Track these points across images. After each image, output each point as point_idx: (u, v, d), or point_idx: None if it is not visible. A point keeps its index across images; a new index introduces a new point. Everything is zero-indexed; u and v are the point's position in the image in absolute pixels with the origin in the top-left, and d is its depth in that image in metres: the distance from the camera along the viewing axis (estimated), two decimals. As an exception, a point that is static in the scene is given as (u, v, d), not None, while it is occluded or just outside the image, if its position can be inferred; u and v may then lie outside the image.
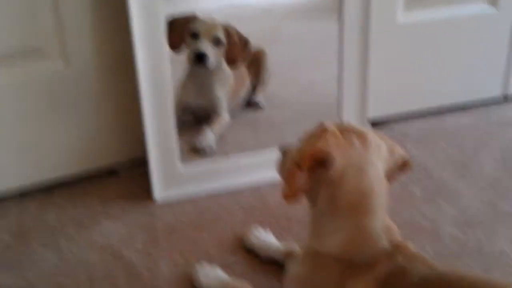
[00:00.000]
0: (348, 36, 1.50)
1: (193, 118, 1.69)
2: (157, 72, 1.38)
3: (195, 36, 1.57)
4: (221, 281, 1.12)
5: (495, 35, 1.82)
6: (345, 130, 0.93)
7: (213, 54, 1.58)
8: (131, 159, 1.59)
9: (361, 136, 0.92)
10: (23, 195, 1.48)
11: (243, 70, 1.76)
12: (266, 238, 1.25)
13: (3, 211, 1.43)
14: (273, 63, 1.80)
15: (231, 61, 1.64)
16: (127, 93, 1.49)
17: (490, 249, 1.21)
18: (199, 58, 1.57)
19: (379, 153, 0.94)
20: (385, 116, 1.80)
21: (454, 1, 1.75)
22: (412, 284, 0.85)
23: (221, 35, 1.59)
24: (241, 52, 1.66)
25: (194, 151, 1.56)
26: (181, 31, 1.58)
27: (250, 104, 1.77)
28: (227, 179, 1.48)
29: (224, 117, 1.68)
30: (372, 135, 0.95)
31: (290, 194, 0.89)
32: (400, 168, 1.00)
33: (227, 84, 1.69)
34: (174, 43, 1.55)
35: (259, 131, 1.70)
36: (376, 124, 1.77)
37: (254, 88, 1.79)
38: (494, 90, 1.90)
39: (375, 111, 1.73)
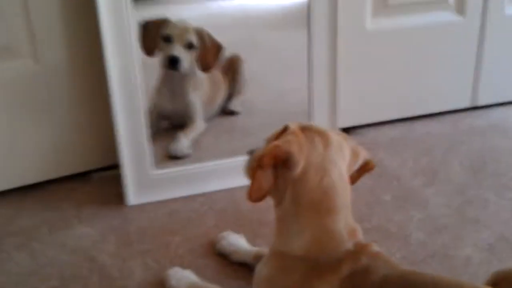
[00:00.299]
0: (317, 45, 1.54)
1: (169, 123, 1.70)
2: (128, 76, 1.39)
3: (167, 39, 1.58)
4: (192, 284, 1.13)
5: (463, 43, 1.86)
6: (307, 130, 0.96)
7: (185, 58, 1.59)
8: (104, 163, 1.60)
9: (323, 136, 0.95)
10: (-4, 199, 1.49)
11: (219, 77, 1.78)
12: (237, 242, 1.26)
13: (-25, 214, 1.43)
14: (249, 71, 1.83)
15: (204, 65, 1.66)
16: (99, 95, 1.49)
17: (456, 253, 1.24)
18: (172, 62, 1.58)
19: (341, 153, 0.97)
20: (357, 124, 1.83)
21: (422, 9, 1.79)
22: (374, 283, 0.88)
23: (194, 39, 1.60)
24: (214, 56, 1.67)
25: (169, 157, 1.58)
26: (154, 35, 1.59)
27: (226, 111, 1.79)
28: (200, 184, 1.50)
29: (199, 123, 1.69)
30: (334, 135, 0.98)
31: (254, 194, 0.91)
32: (363, 168, 1.03)
33: (201, 89, 1.71)
34: (148, 48, 1.56)
35: (234, 137, 1.72)
36: (347, 131, 1.80)
37: (230, 95, 1.81)
38: (463, 99, 1.94)
39: (347, 119, 1.77)
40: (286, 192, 0.93)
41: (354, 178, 1.03)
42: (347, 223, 0.95)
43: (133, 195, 1.46)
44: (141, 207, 1.45)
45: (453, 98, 1.93)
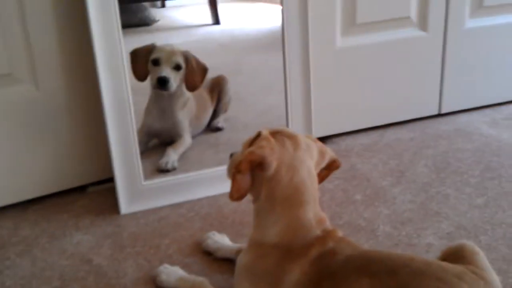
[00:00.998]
0: (291, 64, 1.68)
1: (158, 141, 1.81)
2: (119, 98, 1.52)
3: (156, 62, 1.70)
4: (180, 277, 1.24)
5: (427, 56, 2.00)
6: (278, 134, 1.08)
7: (173, 78, 1.71)
8: (98, 177, 1.73)
9: (292, 139, 1.08)
10: (0, 213, 1.61)
11: (205, 96, 1.89)
12: (221, 240, 1.38)
13: (-19, 228, 1.55)
14: (234, 91, 1.95)
15: (191, 86, 1.78)
16: (94, 116, 1.62)
17: (418, 242, 1.37)
18: (161, 83, 1.70)
19: (310, 153, 1.09)
20: (332, 133, 1.97)
21: (387, 27, 1.93)
22: (339, 262, 1.00)
23: (181, 61, 1.73)
24: (200, 77, 1.79)
25: (158, 171, 1.68)
26: (144, 60, 1.71)
27: (212, 127, 1.90)
28: (186, 192, 1.62)
29: (186, 138, 1.80)
30: (302, 137, 1.11)
31: (234, 194, 1.04)
32: (330, 166, 1.16)
33: (188, 107, 1.82)
34: (139, 73, 1.69)
35: (219, 150, 1.82)
36: (322, 140, 1.93)
37: (215, 112, 1.93)
38: (430, 107, 2.08)
39: (322, 129, 1.90)
40: (262, 190, 1.06)
41: (324, 175, 1.17)
42: (316, 213, 1.07)
43: (125, 205, 1.58)
44: (133, 215, 1.57)
45: (421, 106, 2.07)
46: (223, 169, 1.46)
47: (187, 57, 1.74)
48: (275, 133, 1.09)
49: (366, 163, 1.78)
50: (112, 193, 1.62)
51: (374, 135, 1.98)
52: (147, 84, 1.73)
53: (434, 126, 2.03)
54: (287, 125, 1.72)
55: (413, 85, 2.02)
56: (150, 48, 1.73)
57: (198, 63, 1.78)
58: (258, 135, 1.08)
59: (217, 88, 1.93)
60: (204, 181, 1.65)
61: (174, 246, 1.42)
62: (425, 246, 1.35)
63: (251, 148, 1.04)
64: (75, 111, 1.63)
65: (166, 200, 1.61)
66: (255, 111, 1.98)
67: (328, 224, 1.09)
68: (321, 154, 1.13)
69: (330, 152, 1.15)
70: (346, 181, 1.67)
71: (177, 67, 1.73)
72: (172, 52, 1.73)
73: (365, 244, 1.37)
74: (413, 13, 1.94)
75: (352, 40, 1.89)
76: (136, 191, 1.59)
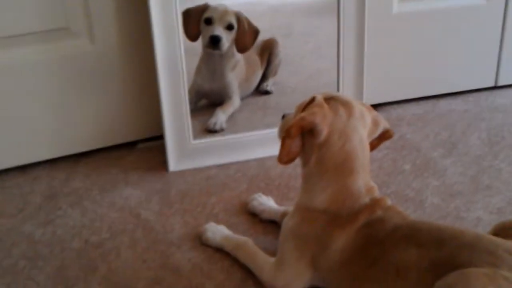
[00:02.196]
0: (345, 29, 1.64)
1: (207, 101, 1.82)
2: (172, 57, 1.53)
3: (208, 22, 1.69)
4: (225, 236, 1.27)
5: (486, 25, 1.93)
6: (333, 100, 1.07)
7: (226, 38, 1.70)
8: (149, 134, 1.75)
9: (347, 105, 1.06)
10: (53, 164, 1.65)
11: (255, 58, 1.88)
12: (266, 202, 1.39)
13: (35, 178, 1.60)
14: (284, 55, 1.92)
15: (242, 47, 1.76)
16: (147, 73, 1.63)
17: (467, 215, 1.35)
18: (213, 41, 1.69)
19: (363, 121, 1.08)
20: (383, 101, 1.94)
21: (446, -7, 1.87)
22: (387, 230, 1.00)
23: (233, 21, 1.71)
24: (251, 39, 1.77)
25: (207, 131, 1.69)
26: (196, 20, 1.70)
27: (260, 90, 1.89)
28: (234, 153, 1.63)
29: (235, 100, 1.80)
30: (357, 105, 1.09)
31: (283, 157, 1.04)
32: (383, 136, 1.15)
33: (238, 69, 1.81)
34: (191, 33, 1.68)
35: (267, 113, 1.82)
36: (373, 107, 1.90)
37: (264, 76, 1.91)
38: (486, 78, 2.02)
39: (373, 96, 1.86)
40: (312, 155, 1.06)
41: (375, 144, 1.15)
42: (366, 182, 1.07)
43: (174, 162, 1.60)
44: (181, 173, 1.59)
45: (477, 77, 2.01)
46: (271, 131, 1.47)
47: (239, 17, 1.73)
48: (329, 99, 1.07)
49: (417, 133, 1.75)
50: (161, 150, 1.64)
51: (427, 105, 1.94)
52: (199, 44, 1.73)
53: (490, 98, 1.97)
54: (338, 91, 1.69)
55: (469, 55, 1.96)
56: (203, 8, 1.72)
57: (250, 24, 1.76)
58: (312, 99, 1.07)
59: (267, 51, 1.91)
60: (252, 143, 1.65)
61: (220, 205, 1.43)
62: (474, 220, 1.33)
63: (303, 114, 1.03)
64: (128, 68, 1.64)
65: (214, 160, 1.63)
66: (304, 75, 1.96)
67: (377, 193, 1.08)
68: (375, 123, 1.11)
69: (384, 121, 1.14)
70: (395, 151, 1.65)
71: (230, 27, 1.72)
72: (225, 12, 1.72)
73: (412, 214, 1.35)
74: (475, -21, 1.87)
75: (410, 5, 1.83)
76: (185, 149, 1.61)
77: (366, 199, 1.05)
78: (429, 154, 1.62)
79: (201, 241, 1.29)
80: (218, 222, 1.34)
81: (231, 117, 1.76)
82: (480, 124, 1.79)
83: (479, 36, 1.94)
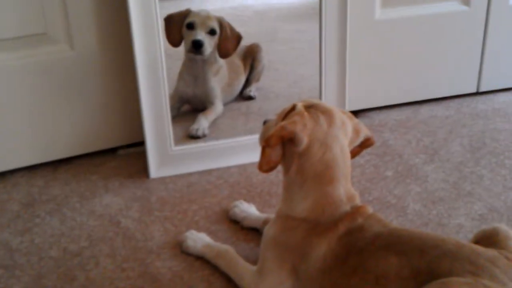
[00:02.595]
0: (327, 34, 1.64)
1: (189, 106, 1.81)
2: (153, 62, 1.51)
3: (191, 26, 1.69)
4: (206, 244, 1.25)
5: (468, 32, 1.94)
6: (313, 108, 1.06)
7: (208, 43, 1.70)
8: (129, 140, 1.73)
9: (327, 114, 1.05)
10: (32, 171, 1.63)
11: (238, 64, 1.88)
12: (248, 209, 1.38)
13: (13, 185, 1.57)
14: (267, 60, 1.92)
15: (224, 52, 1.76)
16: (127, 79, 1.61)
17: (449, 222, 1.34)
18: (196, 46, 1.68)
19: (344, 130, 1.07)
20: (366, 107, 1.94)
21: (428, 0, 1.87)
22: (367, 239, 0.99)
23: (215, 25, 1.71)
24: (233, 44, 1.77)
25: (189, 137, 1.68)
26: (178, 26, 1.70)
27: (243, 96, 1.89)
28: (216, 159, 1.62)
29: (218, 106, 1.80)
30: (338, 113, 1.08)
31: (263, 166, 1.03)
32: (364, 144, 1.14)
33: (221, 74, 1.81)
34: (173, 39, 1.68)
35: (250, 119, 1.81)
36: (356, 113, 1.91)
37: (247, 81, 1.91)
38: (468, 84, 2.02)
39: (355, 102, 1.87)
40: (293, 164, 1.05)
41: (356, 152, 1.15)
42: (346, 190, 1.06)
43: (155, 169, 1.59)
44: (162, 179, 1.57)
45: (459, 83, 2.01)
46: (253, 138, 1.46)
47: (221, 23, 1.73)
48: (310, 107, 1.06)
49: (399, 139, 1.75)
50: (142, 156, 1.62)
51: (409, 110, 1.94)
52: (181, 49, 1.72)
53: (472, 104, 1.97)
54: (320, 96, 1.69)
55: (451, 61, 1.96)
56: (185, 13, 1.71)
57: (232, 30, 1.76)
58: (293, 107, 1.06)
59: (251, 56, 1.91)
60: (234, 149, 1.64)
61: (201, 212, 1.42)
62: (455, 226, 1.33)
63: (283, 123, 1.03)
64: (109, 73, 1.63)
65: (196, 167, 1.61)
66: (287, 81, 1.97)
67: (358, 201, 1.07)
68: (356, 131, 1.10)
69: (365, 129, 1.13)
70: (377, 157, 1.65)
71: (212, 32, 1.71)
72: (207, 17, 1.71)
73: (394, 221, 1.35)
74: (457, -14, 1.88)
75: (392, 12, 1.84)
76: (166, 156, 1.59)
77: (347, 207, 1.05)
78: (411, 161, 1.62)
79: (181, 249, 1.27)
80: (199, 229, 1.33)
81: (213, 123, 1.75)
82: (462, 130, 1.79)
83: (461, 42, 1.94)
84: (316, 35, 1.66)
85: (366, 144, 1.14)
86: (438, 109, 1.94)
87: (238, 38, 1.78)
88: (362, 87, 1.87)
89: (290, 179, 1.07)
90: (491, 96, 2.03)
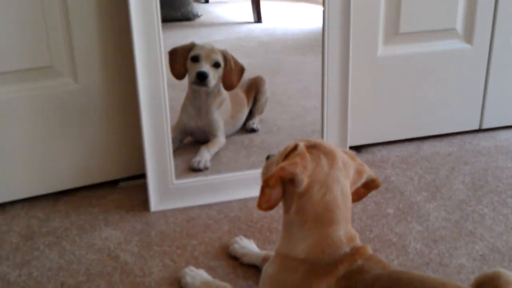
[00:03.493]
0: (330, 69, 1.65)
1: (192, 138, 1.81)
2: (155, 96, 1.52)
3: (195, 59, 1.70)
4: (204, 281, 1.24)
5: (471, 69, 1.95)
6: (315, 149, 1.05)
7: (212, 75, 1.71)
8: (130, 172, 1.73)
9: (329, 155, 1.05)
10: (32, 203, 1.63)
11: (242, 96, 1.89)
12: (248, 246, 1.37)
13: (13, 217, 1.57)
14: (271, 92, 1.93)
15: (228, 85, 1.77)
16: (129, 113, 1.62)
17: (450, 262, 1.33)
18: (200, 77, 1.70)
19: (346, 171, 1.06)
20: (368, 142, 1.94)
21: (431, 37, 1.88)
22: (367, 281, 0.98)
23: (220, 58, 1.72)
24: (237, 77, 1.79)
25: (190, 169, 1.69)
26: (183, 59, 1.72)
27: (246, 128, 1.89)
28: (217, 194, 1.62)
29: (220, 138, 1.80)
30: (340, 154, 1.07)
31: (262, 205, 1.03)
32: (369, 185, 1.13)
33: (224, 106, 1.82)
34: (178, 72, 1.70)
35: (252, 152, 1.81)
36: (358, 149, 1.91)
37: (250, 113, 1.91)
38: (471, 121, 2.03)
39: (357, 137, 1.88)
40: (293, 204, 1.04)
41: (362, 194, 1.15)
42: (346, 231, 1.05)
43: (155, 202, 1.59)
44: (163, 213, 1.57)
45: (461, 120, 2.01)
46: (255, 172, 1.45)
47: (225, 56, 1.74)
48: (312, 147, 1.06)
49: (401, 176, 1.75)
50: (143, 189, 1.62)
51: (411, 147, 1.94)
52: (185, 81, 1.73)
53: (474, 141, 1.97)
54: (322, 130, 1.69)
55: (454, 98, 1.97)
56: (189, 47, 1.73)
57: (236, 62, 1.77)
58: (295, 147, 1.06)
59: (254, 89, 1.92)
60: (235, 184, 1.64)
61: (201, 247, 1.41)
62: (457, 267, 1.32)
63: (284, 163, 1.02)
64: (111, 106, 1.64)
65: (196, 200, 1.61)
66: (290, 114, 1.97)
67: (358, 241, 1.06)
68: (358, 173, 1.10)
69: (368, 171, 1.12)
70: (379, 193, 1.64)
71: (216, 65, 1.73)
72: (211, 50, 1.73)
73: (395, 260, 1.34)
74: (459, 25, 1.89)
75: (394, 49, 1.85)
76: (167, 189, 1.59)
77: (346, 249, 1.03)
78: (412, 198, 1.62)
79: (179, 286, 1.26)
80: (198, 265, 1.32)
81: (215, 156, 1.75)
82: (464, 167, 1.79)
83: (464, 80, 1.95)
84: (320, 68, 1.66)
85: (371, 186, 1.14)
86: (440, 146, 1.94)
87: (241, 70, 1.79)
88: (364, 122, 1.87)
89: (289, 219, 1.06)
90: (493, 133, 2.03)
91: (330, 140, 1.68)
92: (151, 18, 1.47)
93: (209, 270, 1.30)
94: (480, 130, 2.04)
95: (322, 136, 1.69)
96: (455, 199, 1.61)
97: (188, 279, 1.26)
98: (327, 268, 1.02)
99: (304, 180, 1.01)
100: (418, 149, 1.93)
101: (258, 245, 1.39)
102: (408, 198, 1.62)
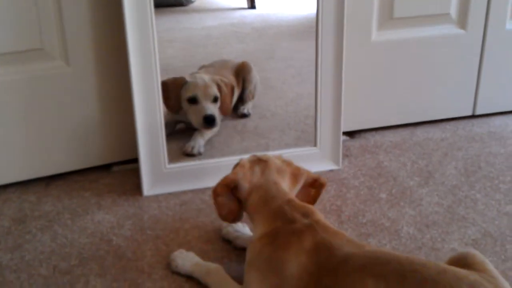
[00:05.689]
0: (324, 54, 1.63)
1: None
2: (148, 80, 1.51)
3: (194, 101, 1.71)
4: (195, 263, 1.25)
5: (464, 55, 1.95)
6: (253, 161, 1.25)
7: (216, 113, 1.73)
8: (123, 157, 1.73)
9: (264, 163, 1.24)
10: (24, 186, 1.62)
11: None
12: (241, 229, 1.38)
13: (5, 200, 1.56)
14: (264, 77, 1.93)
15: (225, 109, 1.78)
16: (122, 96, 1.61)
17: (442, 246, 1.34)
18: (209, 122, 1.71)
19: (281, 175, 1.23)
20: (361, 128, 1.94)
21: (425, 22, 1.88)
22: (337, 257, 1.00)
23: (216, 91, 1.73)
24: (230, 97, 1.81)
25: (184, 154, 1.68)
26: (175, 94, 1.71)
27: (238, 114, 1.88)
28: (210, 178, 1.59)
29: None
30: (275, 161, 1.26)
31: (222, 215, 1.24)
32: (314, 185, 1.29)
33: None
34: (172, 106, 1.70)
35: (245, 138, 1.81)
36: (352, 134, 1.91)
37: (242, 99, 1.91)
38: (464, 107, 2.03)
39: (351, 123, 1.88)
40: (245, 205, 1.22)
41: (314, 195, 1.30)
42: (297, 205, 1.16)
43: (148, 187, 1.58)
44: (155, 197, 1.57)
45: (454, 106, 2.02)
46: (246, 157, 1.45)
47: (219, 84, 1.75)
48: (252, 161, 1.26)
49: (394, 161, 1.75)
50: (136, 173, 1.62)
51: (404, 132, 1.94)
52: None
53: (467, 127, 1.98)
54: (316, 116, 1.68)
55: (447, 84, 1.97)
56: (181, 82, 1.72)
57: (227, 84, 1.79)
58: (238, 162, 1.26)
59: (241, 75, 1.91)
60: (228, 168, 1.60)
61: (194, 231, 1.41)
62: (449, 251, 1.32)
63: (227, 174, 1.23)
64: (104, 89, 1.63)
65: (189, 185, 1.61)
66: (284, 99, 1.97)
67: (319, 216, 1.13)
68: (294, 176, 1.25)
69: (307, 173, 1.27)
70: (372, 178, 1.64)
71: (215, 99, 1.74)
72: (206, 86, 1.73)
73: (387, 244, 1.34)
74: (453, 10, 1.88)
75: (388, 34, 1.85)
76: (160, 174, 1.59)
77: (304, 220, 1.09)
78: (405, 183, 1.62)
79: (171, 269, 1.26)
80: (191, 249, 1.32)
81: (208, 141, 1.74)
82: (457, 153, 1.79)
83: (457, 65, 1.95)
84: (314, 54, 1.66)
85: (316, 185, 1.28)
86: (433, 132, 1.94)
87: (232, 88, 1.82)
88: (357, 108, 1.87)
89: (249, 215, 1.22)
90: (486, 119, 2.04)
91: (324, 125, 1.68)
92: (144, 1, 1.45)
93: (202, 253, 1.30)
94: (473, 116, 2.04)
95: (315, 121, 1.69)
96: (447, 184, 1.61)
97: (179, 261, 1.26)
98: (291, 238, 1.06)
99: (245, 185, 1.21)
100: (411, 134, 1.93)
101: (251, 229, 1.39)
102: (401, 183, 1.62)
